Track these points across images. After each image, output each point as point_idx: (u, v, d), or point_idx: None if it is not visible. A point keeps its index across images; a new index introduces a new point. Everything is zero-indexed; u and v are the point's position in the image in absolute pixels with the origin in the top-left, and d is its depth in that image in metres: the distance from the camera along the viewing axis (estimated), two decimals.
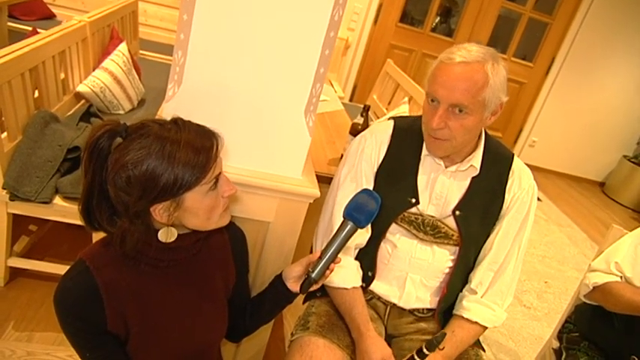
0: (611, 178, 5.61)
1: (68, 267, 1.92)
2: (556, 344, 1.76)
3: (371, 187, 1.30)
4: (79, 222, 1.73)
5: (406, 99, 3.06)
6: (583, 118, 5.36)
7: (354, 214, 1.03)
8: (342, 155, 1.99)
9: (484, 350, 1.37)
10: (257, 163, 1.19)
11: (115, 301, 0.92)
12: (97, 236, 1.72)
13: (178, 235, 0.93)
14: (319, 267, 1.04)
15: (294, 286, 1.11)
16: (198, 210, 0.90)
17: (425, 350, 1.10)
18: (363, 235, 1.31)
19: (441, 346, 1.10)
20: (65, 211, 1.69)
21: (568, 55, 5.00)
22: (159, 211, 0.87)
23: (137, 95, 2.52)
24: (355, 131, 1.86)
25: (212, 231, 1.00)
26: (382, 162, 1.31)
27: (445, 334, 1.09)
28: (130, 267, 0.94)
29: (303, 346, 1.21)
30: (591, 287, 1.53)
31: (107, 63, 2.34)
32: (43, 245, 2.11)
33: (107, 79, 2.30)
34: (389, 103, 3.53)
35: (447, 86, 1.14)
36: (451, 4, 5.05)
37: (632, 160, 5.42)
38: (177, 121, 0.88)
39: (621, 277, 1.49)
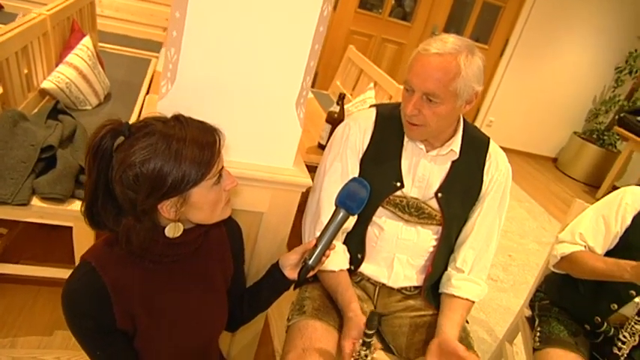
0: (563, 154, 5.91)
1: (46, 268, 1.88)
2: (528, 313, 1.88)
3: (356, 173, 1.35)
4: (57, 222, 1.71)
5: (372, 84, 3.12)
6: (536, 97, 5.60)
7: (347, 202, 1.08)
8: (318, 143, 2.04)
9: (467, 322, 1.47)
10: (251, 156, 1.21)
11: (122, 299, 0.94)
12: (81, 236, 1.71)
13: (183, 230, 0.95)
14: (316, 254, 1.08)
15: (291, 273, 1.15)
16: (204, 204, 0.92)
17: (368, 331, 1.14)
18: (349, 220, 1.36)
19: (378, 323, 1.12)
20: (44, 212, 1.65)
21: (521, 36, 5.19)
22: (166, 208, 0.89)
23: (103, 90, 2.46)
24: (332, 119, 1.90)
25: (211, 225, 1.02)
26: (367, 148, 1.36)
27: (375, 312, 1.13)
28: (134, 264, 0.96)
29: (302, 329, 1.26)
30: (559, 257, 1.64)
31: (71, 58, 2.27)
32: (17, 248, 2.06)
33: (72, 74, 2.24)
34: (353, 89, 3.59)
35: (420, 76, 1.20)
36: None
37: (582, 136, 5.72)
38: (179, 118, 0.90)
39: (585, 246, 1.61)
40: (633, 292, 1.52)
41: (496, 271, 3.20)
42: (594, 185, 5.40)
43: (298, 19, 1.07)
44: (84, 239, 1.75)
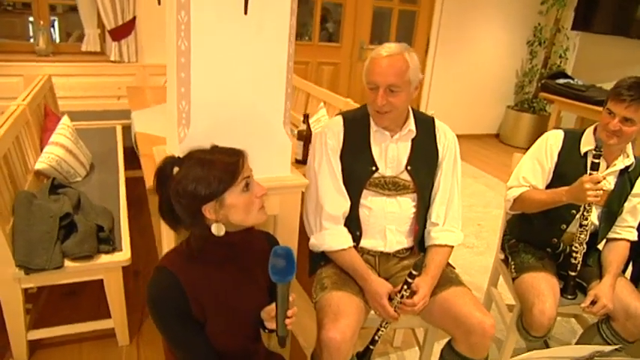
0: (503, 128, 6.45)
1: (86, 323, 2.07)
2: (502, 255, 2.22)
3: (339, 169, 1.65)
4: (90, 278, 1.91)
5: (322, 104, 3.47)
6: (467, 83, 6.13)
7: (275, 276, 1.18)
8: (295, 159, 2.34)
9: (454, 267, 1.78)
10: (261, 171, 1.50)
11: (193, 292, 1.20)
12: (111, 285, 1.91)
13: (228, 232, 1.23)
14: (279, 325, 1.20)
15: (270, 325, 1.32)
16: (238, 205, 1.21)
17: (414, 272, 1.46)
18: (345, 205, 1.66)
19: (424, 265, 1.46)
20: (77, 270, 1.86)
21: (439, 32, 5.71)
22: (208, 210, 1.18)
23: (87, 161, 2.69)
24: (302, 137, 2.23)
25: (255, 237, 1.30)
26: (343, 146, 1.67)
27: (424, 255, 1.46)
28: (198, 264, 1.24)
29: (329, 300, 1.54)
30: (512, 200, 2.00)
31: (55, 137, 2.49)
32: (45, 316, 2.22)
33: (60, 151, 2.46)
34: (304, 112, 3.92)
35: (382, 74, 1.54)
36: (325, 12, 5.59)
37: (515, 108, 6.28)
38: (213, 147, 1.22)
39: (529, 185, 1.97)
40: (574, 212, 1.88)
41: (470, 239, 3.56)
42: None
43: (274, 60, 1.40)
44: (115, 287, 1.97)
